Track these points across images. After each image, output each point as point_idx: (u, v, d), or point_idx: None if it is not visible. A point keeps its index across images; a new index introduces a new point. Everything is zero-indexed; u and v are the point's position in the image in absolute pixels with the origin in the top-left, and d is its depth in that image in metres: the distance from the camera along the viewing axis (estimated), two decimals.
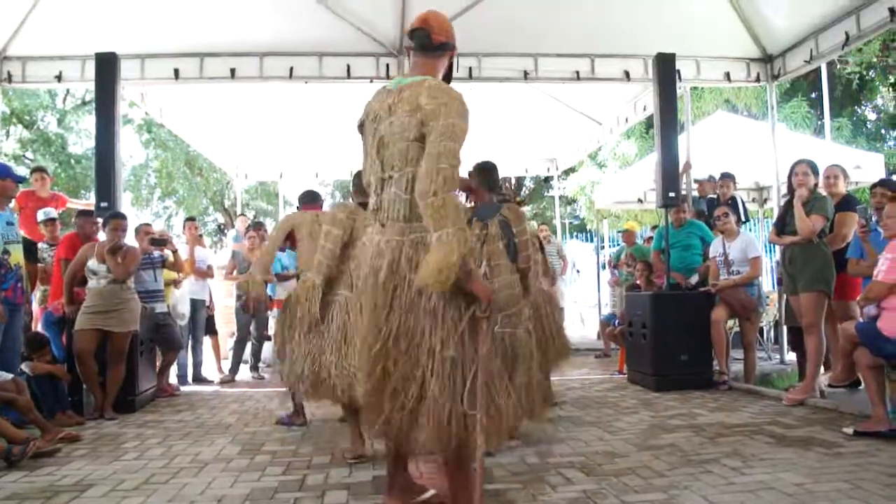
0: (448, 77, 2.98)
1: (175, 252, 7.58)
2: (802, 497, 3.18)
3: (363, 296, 2.78)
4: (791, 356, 7.60)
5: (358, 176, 5.32)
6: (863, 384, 4.84)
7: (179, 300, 7.98)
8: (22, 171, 6.48)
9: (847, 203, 6.10)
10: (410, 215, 2.69)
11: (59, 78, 7.77)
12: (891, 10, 6.28)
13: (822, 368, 5.79)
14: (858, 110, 18.24)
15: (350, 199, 5.22)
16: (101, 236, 6.54)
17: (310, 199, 5.81)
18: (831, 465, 3.71)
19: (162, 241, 7.28)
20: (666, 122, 7.46)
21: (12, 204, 5.93)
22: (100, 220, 6.77)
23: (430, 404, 2.54)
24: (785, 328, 7.93)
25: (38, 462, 4.25)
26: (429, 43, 2.89)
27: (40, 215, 7.11)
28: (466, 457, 2.65)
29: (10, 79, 7.70)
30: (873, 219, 5.51)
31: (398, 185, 2.71)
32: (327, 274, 4.02)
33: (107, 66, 7.10)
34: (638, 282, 8.35)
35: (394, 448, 2.89)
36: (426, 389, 2.57)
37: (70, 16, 7.19)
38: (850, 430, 4.44)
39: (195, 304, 8.21)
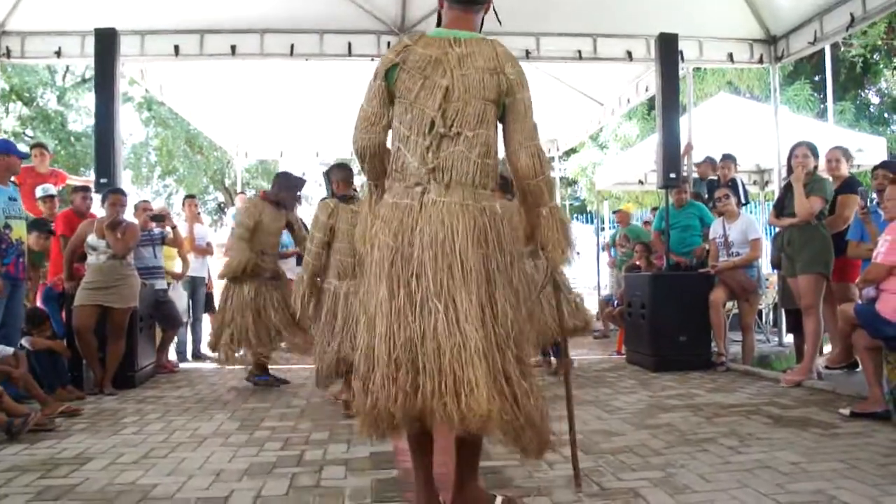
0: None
1: (174, 228, 7.59)
2: (798, 476, 3.19)
3: (431, 265, 2.47)
4: (789, 338, 7.61)
5: (341, 168, 5.49)
6: (860, 366, 4.85)
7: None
8: (22, 147, 6.44)
9: (849, 185, 6.08)
10: (478, 181, 2.58)
11: (58, 54, 7.71)
12: None
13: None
14: (862, 94, 18.15)
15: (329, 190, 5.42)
16: (96, 212, 6.54)
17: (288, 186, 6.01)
18: (827, 446, 3.73)
19: (161, 217, 7.29)
20: (668, 103, 7.42)
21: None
22: (96, 195, 6.78)
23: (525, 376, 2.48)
24: (783, 310, 7.95)
25: (39, 436, 4.27)
26: None
27: (39, 191, 7.10)
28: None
29: (8, 54, 7.65)
30: (874, 201, 5.49)
31: (468, 145, 2.57)
32: (313, 272, 5.06)
33: (106, 42, 7.05)
34: (637, 262, 8.35)
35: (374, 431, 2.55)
36: (522, 360, 2.51)
37: None
38: (846, 411, 4.45)
39: (194, 282, 8.23)
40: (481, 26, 2.85)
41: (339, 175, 5.37)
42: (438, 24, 2.83)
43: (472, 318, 2.40)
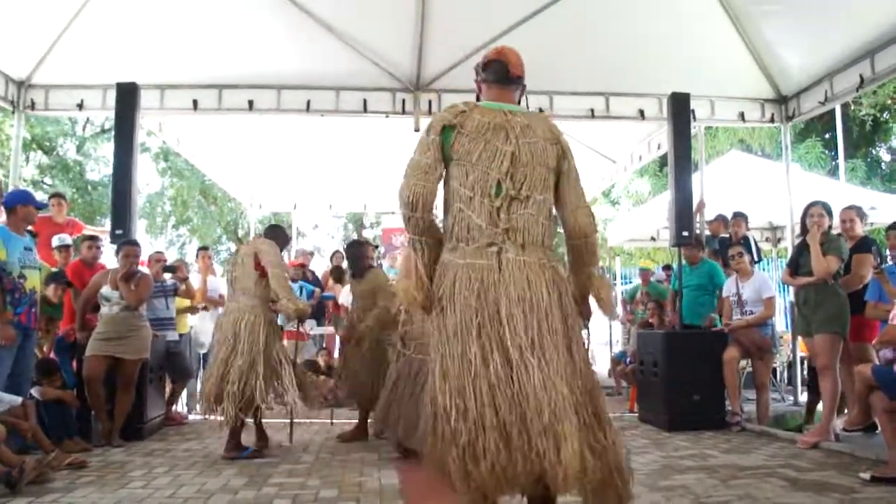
0: None
1: (186, 280, 7.62)
2: None
3: (519, 321, 2.55)
4: (804, 397, 7.49)
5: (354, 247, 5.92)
6: (879, 428, 4.76)
7: (201, 331, 8.01)
8: (40, 197, 6.53)
9: (863, 244, 6.07)
10: (545, 242, 2.74)
11: (80, 106, 7.89)
12: None
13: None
14: (873, 151, 18.24)
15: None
16: (105, 261, 6.58)
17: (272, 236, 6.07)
18: None
19: (173, 269, 7.33)
20: (680, 161, 7.47)
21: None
22: (104, 245, 6.85)
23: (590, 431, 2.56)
24: (799, 369, 7.86)
25: (44, 489, 4.23)
26: (506, 74, 2.92)
27: (55, 241, 7.16)
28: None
29: (33, 106, 7.83)
30: (889, 261, 5.47)
31: (536, 208, 2.72)
32: None
33: (127, 96, 7.20)
34: (651, 320, 8.29)
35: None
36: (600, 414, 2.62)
37: (93, 46, 7.32)
38: (866, 476, 4.34)
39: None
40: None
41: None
42: (478, 99, 2.99)
43: (562, 374, 2.50)
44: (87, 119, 21.64)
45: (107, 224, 9.26)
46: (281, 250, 5.80)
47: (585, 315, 2.92)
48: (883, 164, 18.39)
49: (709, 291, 7.47)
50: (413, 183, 2.69)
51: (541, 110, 8.17)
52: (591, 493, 2.53)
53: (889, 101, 15.91)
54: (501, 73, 2.92)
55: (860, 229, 6.17)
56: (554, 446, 2.36)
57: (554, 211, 2.86)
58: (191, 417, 7.61)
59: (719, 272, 7.52)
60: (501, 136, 2.72)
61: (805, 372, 7.86)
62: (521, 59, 2.97)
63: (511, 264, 2.62)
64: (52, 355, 6.36)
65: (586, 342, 2.81)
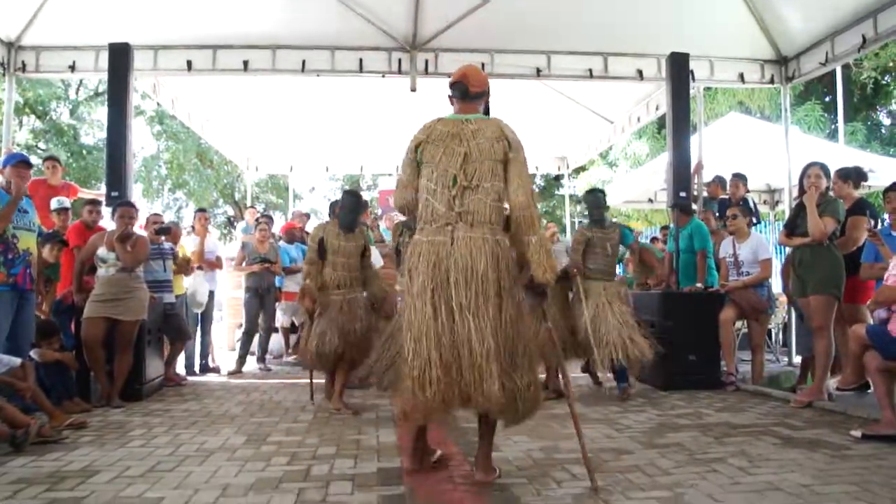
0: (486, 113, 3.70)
1: (175, 250, 7.59)
2: (809, 498, 3.16)
3: (462, 287, 3.23)
4: (798, 359, 7.55)
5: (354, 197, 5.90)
6: (872, 387, 4.80)
7: (198, 289, 8.04)
8: (34, 160, 6.50)
9: (859, 207, 6.06)
10: (494, 219, 3.35)
11: (72, 68, 7.81)
12: None
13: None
14: (873, 115, 18.14)
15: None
16: (105, 225, 6.55)
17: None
18: (839, 468, 3.69)
19: (167, 230, 7.31)
20: (678, 123, 7.43)
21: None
22: (105, 209, 6.81)
23: (522, 375, 3.27)
24: (794, 330, 7.90)
25: (45, 448, 4.27)
26: (467, 93, 3.59)
27: (53, 203, 7.12)
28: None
29: (24, 68, 7.76)
30: (886, 222, 5.46)
31: (485, 193, 3.35)
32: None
33: (120, 57, 7.13)
34: (649, 281, 8.31)
35: (424, 419, 3.47)
36: (518, 363, 3.26)
37: (84, 6, 7.24)
38: (858, 433, 4.40)
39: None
40: (487, 110, 3.73)
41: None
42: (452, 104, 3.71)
43: (489, 328, 3.18)
44: (81, 82, 21.45)
45: (102, 188, 9.25)
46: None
47: (528, 279, 3.43)
48: (883, 127, 18.30)
49: (693, 253, 7.37)
50: (399, 196, 3.61)
51: (538, 71, 8.14)
52: (499, 411, 3.31)
53: (891, 64, 15.77)
54: (463, 91, 3.60)
55: (850, 189, 6.12)
56: (479, 379, 3.15)
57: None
58: (189, 379, 7.66)
59: (700, 233, 7.31)
60: (457, 141, 3.43)
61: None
62: (480, 77, 3.65)
63: (460, 240, 3.30)
64: (50, 317, 6.38)
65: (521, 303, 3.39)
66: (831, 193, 5.85)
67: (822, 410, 5.37)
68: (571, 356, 6.32)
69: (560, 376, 6.14)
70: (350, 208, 5.82)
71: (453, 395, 3.20)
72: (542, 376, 5.75)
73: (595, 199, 6.60)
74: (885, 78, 16.58)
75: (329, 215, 6.52)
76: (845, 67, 12.45)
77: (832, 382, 5.81)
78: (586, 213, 6.82)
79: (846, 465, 3.75)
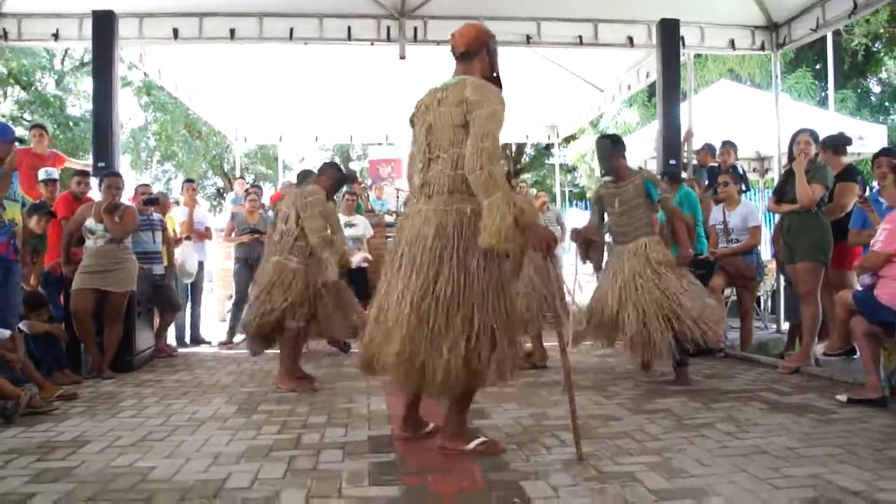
0: (493, 71, 3.53)
1: (167, 216, 7.54)
2: (795, 461, 3.20)
3: (406, 258, 3.30)
4: (787, 325, 7.60)
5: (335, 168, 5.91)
6: (858, 353, 4.85)
7: (187, 259, 8.01)
8: (20, 132, 6.41)
9: (848, 173, 6.07)
10: (453, 188, 3.27)
11: (55, 36, 7.64)
12: None
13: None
14: (863, 82, 18.10)
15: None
16: (93, 196, 6.50)
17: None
18: (824, 431, 3.74)
19: (154, 200, 7.25)
20: (668, 90, 7.40)
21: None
22: (94, 180, 6.75)
23: (481, 350, 3.16)
24: (783, 297, 7.94)
25: (36, 419, 4.27)
26: (455, 54, 3.50)
27: (41, 174, 7.04)
28: (471, 394, 3.44)
29: (5, 36, 7.60)
30: (875, 189, 5.47)
31: (444, 163, 3.28)
32: None
33: (104, 24, 7.01)
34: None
35: (414, 392, 3.52)
36: (473, 338, 3.14)
37: None
38: (843, 398, 4.46)
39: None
40: (493, 66, 3.55)
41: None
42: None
43: (412, 295, 3.19)
44: (66, 52, 21.14)
45: (89, 158, 9.18)
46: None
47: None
48: (873, 95, 18.27)
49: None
50: (409, 172, 3.59)
51: (528, 38, 8.06)
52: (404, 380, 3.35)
53: (881, 31, 15.70)
54: (454, 52, 3.51)
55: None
56: (388, 341, 3.24)
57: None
58: (180, 350, 7.66)
59: (689, 201, 6.99)
60: (427, 112, 3.40)
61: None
62: (465, 36, 3.47)
63: (415, 213, 3.37)
64: (39, 289, 6.35)
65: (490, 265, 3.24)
66: (820, 160, 5.85)
67: (809, 376, 5.43)
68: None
69: (550, 345, 6.13)
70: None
71: (382, 354, 3.32)
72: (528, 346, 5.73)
73: (600, 147, 5.56)
74: (876, 45, 16.54)
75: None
76: (836, 34, 12.38)
77: (819, 348, 5.87)
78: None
79: (831, 428, 3.80)
